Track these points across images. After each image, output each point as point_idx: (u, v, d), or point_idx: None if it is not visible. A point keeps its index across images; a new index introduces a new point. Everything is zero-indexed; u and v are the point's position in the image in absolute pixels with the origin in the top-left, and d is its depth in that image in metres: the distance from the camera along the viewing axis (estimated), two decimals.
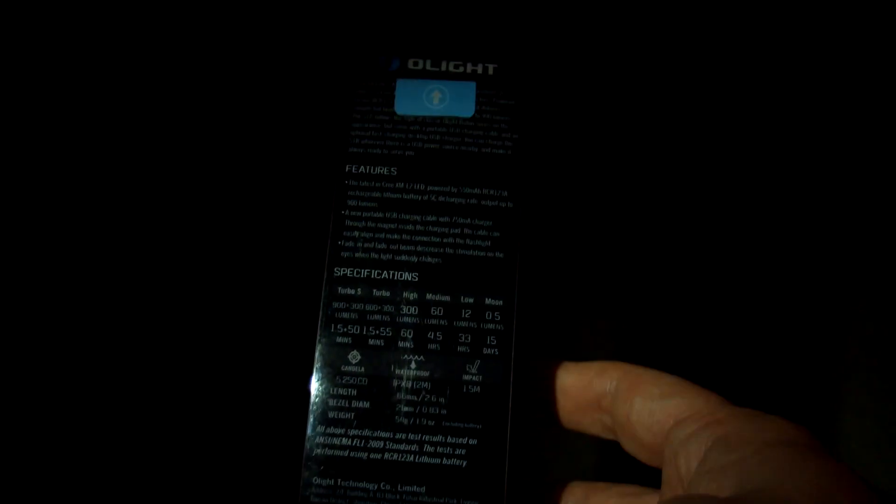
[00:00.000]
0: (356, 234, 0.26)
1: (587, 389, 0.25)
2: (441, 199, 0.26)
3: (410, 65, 0.27)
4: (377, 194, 0.26)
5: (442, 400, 0.24)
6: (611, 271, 0.39)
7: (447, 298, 0.25)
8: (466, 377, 0.24)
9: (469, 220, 0.26)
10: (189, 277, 0.39)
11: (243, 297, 0.38)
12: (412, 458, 0.24)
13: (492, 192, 0.26)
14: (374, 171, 0.26)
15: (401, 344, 0.25)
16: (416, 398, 0.24)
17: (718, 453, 0.20)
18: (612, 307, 0.38)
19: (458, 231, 0.26)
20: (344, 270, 0.25)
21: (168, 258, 0.39)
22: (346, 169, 0.26)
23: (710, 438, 0.21)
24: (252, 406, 0.37)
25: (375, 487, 0.24)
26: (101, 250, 0.40)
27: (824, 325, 0.38)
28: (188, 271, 0.39)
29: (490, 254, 0.25)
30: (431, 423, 0.24)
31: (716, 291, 0.39)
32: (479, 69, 0.27)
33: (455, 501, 0.23)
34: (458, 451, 0.24)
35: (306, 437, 0.24)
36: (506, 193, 0.26)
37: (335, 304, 0.25)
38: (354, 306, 0.25)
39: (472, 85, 0.27)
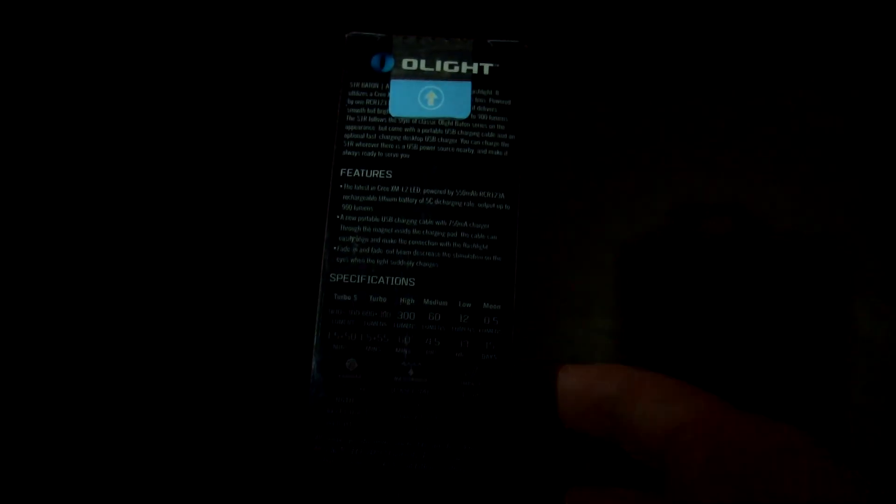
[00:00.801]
0: (352, 239, 0.25)
1: (588, 392, 0.25)
2: (437, 202, 0.26)
3: (405, 65, 0.27)
4: (372, 198, 0.26)
5: (441, 406, 0.24)
6: (611, 271, 0.38)
7: (445, 304, 0.25)
8: (466, 383, 0.24)
9: (466, 223, 0.25)
10: (183, 284, 0.38)
11: (238, 304, 0.38)
12: (412, 466, 0.23)
13: (489, 194, 0.26)
14: (368, 174, 0.26)
15: (398, 350, 0.24)
16: (414, 405, 0.24)
17: (721, 459, 0.20)
18: (612, 307, 0.38)
19: (455, 235, 0.25)
20: (339, 276, 0.25)
21: (161, 264, 0.39)
22: (341, 173, 0.26)
23: (712, 444, 0.21)
24: (249, 415, 0.36)
25: (375, 495, 0.23)
26: (100, 255, 0.39)
27: (829, 327, 0.38)
28: (182, 277, 0.39)
29: (488, 257, 0.25)
30: (431, 429, 0.24)
31: (717, 292, 0.38)
32: (475, 69, 0.27)
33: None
34: (457, 458, 0.24)
35: (304, 446, 0.23)
36: (503, 195, 0.26)
37: (331, 311, 0.25)
38: (351, 313, 0.25)
39: (468, 85, 0.27)
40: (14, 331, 0.38)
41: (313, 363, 0.24)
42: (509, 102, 0.27)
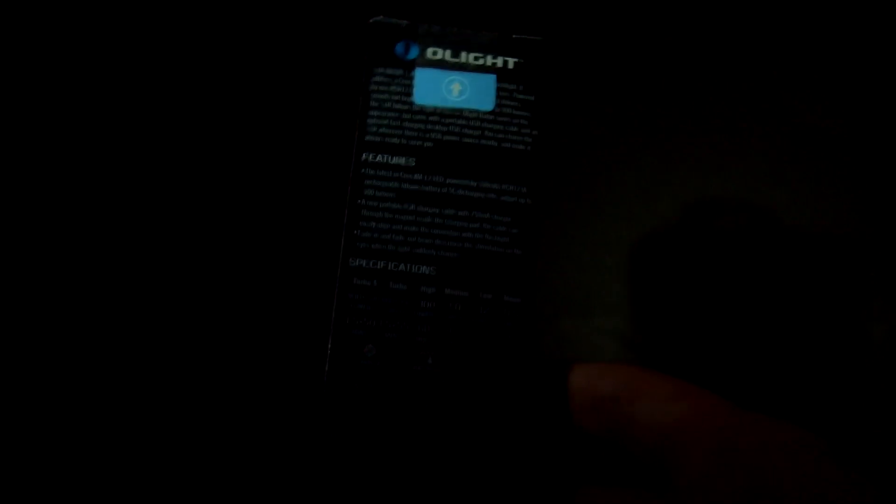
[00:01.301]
0: (373, 224, 0.25)
1: (590, 391, 0.25)
2: (460, 192, 0.25)
3: (429, 54, 0.27)
4: (394, 185, 0.25)
5: (459, 397, 0.24)
6: (614, 270, 0.38)
7: (466, 294, 0.25)
8: (485, 374, 0.24)
9: (488, 215, 0.25)
10: (200, 269, 0.38)
11: (256, 289, 0.37)
12: (429, 455, 0.23)
13: (511, 187, 0.26)
14: (391, 160, 0.26)
15: (418, 339, 0.24)
16: (433, 394, 0.24)
17: (724, 458, 0.20)
18: (614, 307, 0.38)
19: (477, 226, 0.25)
20: (360, 261, 0.24)
21: (177, 247, 0.38)
22: (363, 157, 0.26)
23: (715, 443, 0.21)
24: (265, 402, 0.35)
25: (391, 483, 0.23)
26: (117, 241, 0.38)
27: (831, 327, 0.38)
28: (199, 262, 0.38)
29: (509, 250, 0.25)
30: (449, 419, 0.23)
31: (720, 292, 0.38)
32: (500, 62, 0.27)
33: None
34: (474, 450, 0.23)
35: (321, 432, 0.23)
36: (525, 190, 0.26)
37: (350, 296, 0.24)
38: (371, 298, 0.24)
39: (493, 78, 0.27)
40: (32, 329, 0.37)
41: (330, 348, 0.24)
42: (533, 98, 0.27)
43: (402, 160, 0.26)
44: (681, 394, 0.23)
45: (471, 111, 0.26)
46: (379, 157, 0.26)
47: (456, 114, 0.26)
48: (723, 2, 0.42)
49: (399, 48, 0.27)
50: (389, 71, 0.27)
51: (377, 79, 0.26)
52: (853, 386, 0.38)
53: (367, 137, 0.26)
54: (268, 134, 0.39)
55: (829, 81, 0.42)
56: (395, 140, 0.26)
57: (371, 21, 0.27)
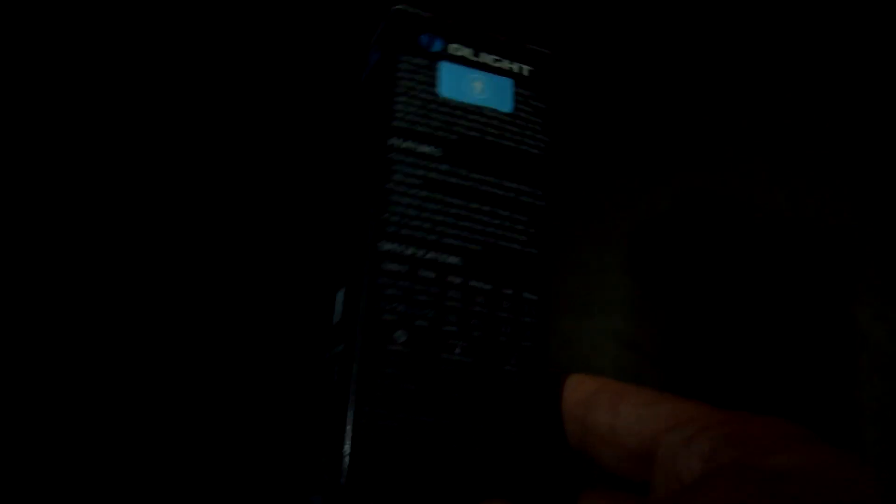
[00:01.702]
0: (401, 209, 0.24)
1: (565, 401, 0.25)
2: (483, 187, 0.26)
3: (452, 50, 0.27)
4: (422, 172, 0.25)
5: (485, 389, 0.24)
6: (612, 270, 0.39)
7: (489, 287, 0.25)
8: (508, 367, 0.24)
9: (508, 212, 0.26)
10: (225, 249, 0.35)
11: (277, 270, 0.35)
12: (454, 444, 0.23)
13: (528, 188, 0.26)
14: (418, 148, 0.25)
15: (447, 328, 0.24)
16: (461, 385, 0.23)
17: (729, 450, 0.20)
18: (612, 307, 0.38)
19: (498, 222, 0.25)
20: (389, 246, 0.24)
21: (203, 226, 0.35)
22: (391, 143, 0.25)
23: (714, 438, 0.21)
24: (288, 383, 0.33)
25: (418, 472, 0.22)
26: (135, 226, 0.36)
27: (831, 328, 0.39)
28: (225, 243, 0.35)
29: (527, 249, 0.26)
30: (474, 410, 0.23)
31: (718, 294, 0.39)
32: (516, 68, 0.28)
33: (496, 489, 0.23)
34: (497, 442, 0.23)
35: (349, 418, 0.22)
36: (540, 192, 0.26)
37: (380, 280, 0.23)
38: (400, 284, 0.24)
39: (511, 82, 0.27)
40: (45, 331, 0.34)
41: (359, 332, 0.23)
42: (545, 106, 0.28)
43: (429, 149, 0.25)
44: (663, 398, 0.23)
45: (492, 110, 0.27)
46: (407, 144, 0.25)
47: (478, 111, 0.26)
48: (722, 9, 0.43)
49: (424, 39, 0.27)
50: (415, 60, 0.26)
51: (403, 66, 0.26)
52: (852, 386, 0.38)
53: (395, 123, 0.25)
54: (292, 118, 0.37)
55: (830, 82, 0.43)
56: (422, 129, 0.26)
57: (393, 9, 0.27)
